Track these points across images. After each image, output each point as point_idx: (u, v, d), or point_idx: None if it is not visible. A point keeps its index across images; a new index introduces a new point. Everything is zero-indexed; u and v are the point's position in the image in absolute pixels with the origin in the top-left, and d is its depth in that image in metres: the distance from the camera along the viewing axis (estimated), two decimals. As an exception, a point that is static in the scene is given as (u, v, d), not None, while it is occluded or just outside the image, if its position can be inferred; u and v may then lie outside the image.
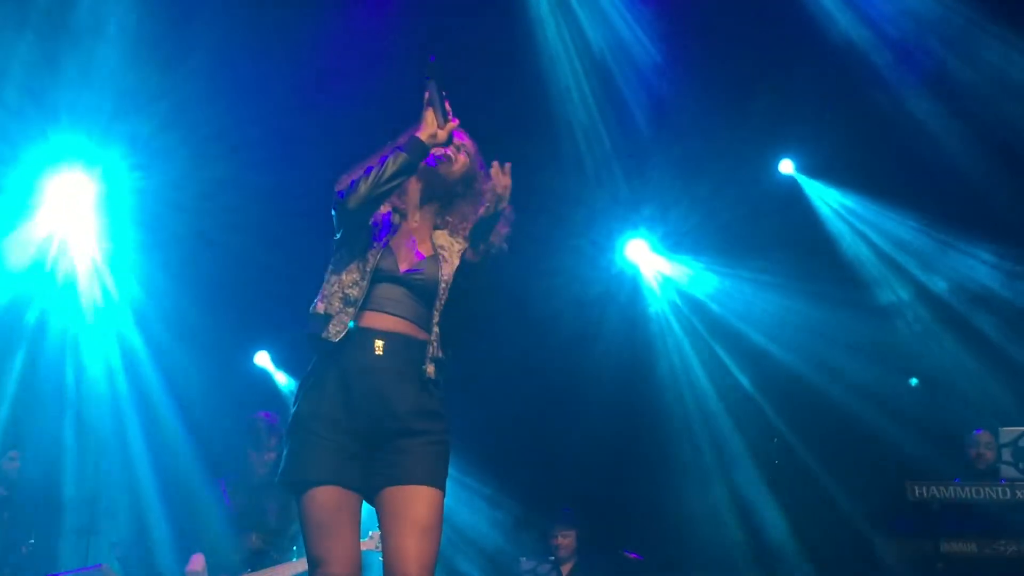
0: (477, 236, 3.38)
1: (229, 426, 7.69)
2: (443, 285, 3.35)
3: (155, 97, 8.21)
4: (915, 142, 8.28)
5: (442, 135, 3.36)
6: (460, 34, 8.07)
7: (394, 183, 3.30)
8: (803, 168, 9.10)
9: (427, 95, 3.36)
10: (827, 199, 9.11)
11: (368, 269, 3.30)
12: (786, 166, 9.08)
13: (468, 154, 3.53)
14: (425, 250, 3.41)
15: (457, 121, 3.39)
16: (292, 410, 3.34)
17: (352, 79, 8.06)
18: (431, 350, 3.31)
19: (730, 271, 9.45)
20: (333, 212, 3.37)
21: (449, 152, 3.46)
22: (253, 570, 6.00)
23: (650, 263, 9.57)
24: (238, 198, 8.42)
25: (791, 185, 9.14)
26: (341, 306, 3.28)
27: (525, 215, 3.59)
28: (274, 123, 8.18)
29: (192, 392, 8.64)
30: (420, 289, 3.33)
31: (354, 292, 3.28)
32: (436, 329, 3.33)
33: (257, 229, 8.45)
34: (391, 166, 3.28)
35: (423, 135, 3.34)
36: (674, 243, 9.49)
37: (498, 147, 3.60)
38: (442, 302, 3.35)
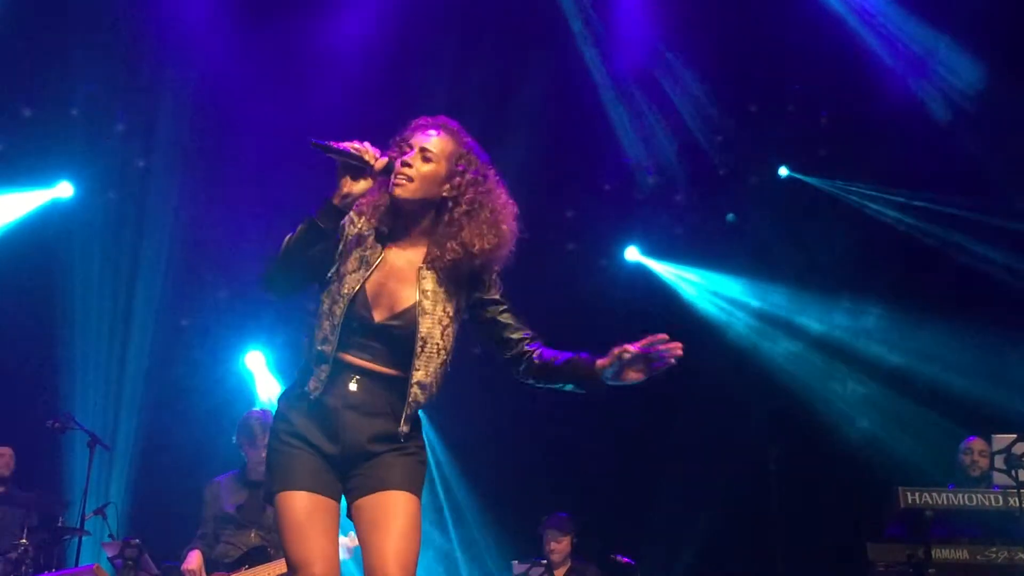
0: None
1: (227, 423, 7.73)
2: (420, 341, 3.21)
3: (155, 96, 8.25)
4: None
5: (365, 185, 3.18)
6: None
7: (306, 250, 3.16)
8: (799, 170, 9.16)
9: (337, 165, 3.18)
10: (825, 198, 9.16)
11: (336, 324, 3.18)
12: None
13: (433, 158, 3.25)
14: (405, 299, 3.23)
15: (387, 160, 3.19)
16: (272, 426, 3.32)
17: (346, 78, 8.07)
18: (408, 408, 3.21)
19: (723, 274, 9.48)
20: None
21: (403, 169, 3.21)
22: (251, 566, 6.02)
23: (652, 267, 9.62)
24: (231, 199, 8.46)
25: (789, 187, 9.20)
26: (316, 364, 3.21)
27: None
28: (270, 122, 8.19)
29: (189, 389, 8.66)
30: (395, 339, 3.21)
31: (326, 349, 3.20)
32: (415, 388, 3.20)
33: (250, 233, 8.49)
34: (297, 234, 3.17)
35: (335, 195, 3.17)
36: (670, 249, 9.53)
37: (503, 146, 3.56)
38: (423, 359, 3.21)
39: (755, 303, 9.41)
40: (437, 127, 3.32)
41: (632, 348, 3.16)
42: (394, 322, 3.22)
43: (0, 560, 6.57)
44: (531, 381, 3.38)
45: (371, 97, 7.60)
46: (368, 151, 3.18)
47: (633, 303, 9.38)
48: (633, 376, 3.21)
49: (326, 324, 3.21)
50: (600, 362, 3.21)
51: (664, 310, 9.45)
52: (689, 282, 9.59)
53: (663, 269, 9.62)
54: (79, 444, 7.65)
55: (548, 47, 8.34)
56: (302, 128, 8.12)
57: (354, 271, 3.23)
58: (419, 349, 3.21)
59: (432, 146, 3.27)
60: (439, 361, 3.25)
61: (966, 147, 8.18)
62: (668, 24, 8.51)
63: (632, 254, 9.66)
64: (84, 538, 7.10)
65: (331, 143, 3.16)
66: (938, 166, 8.38)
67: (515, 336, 3.35)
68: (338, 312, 3.19)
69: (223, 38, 7.99)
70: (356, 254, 3.26)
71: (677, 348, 3.18)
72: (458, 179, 3.28)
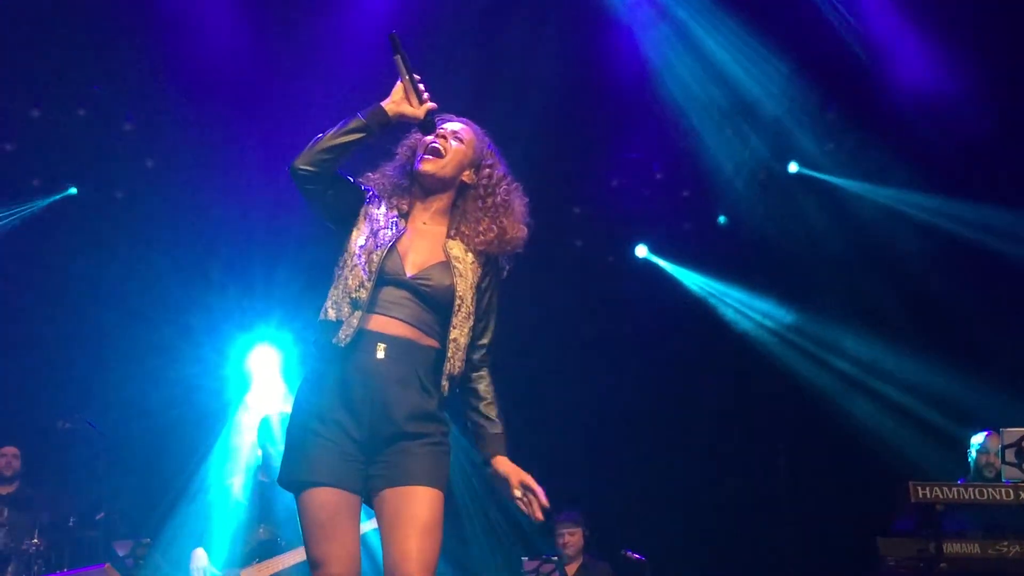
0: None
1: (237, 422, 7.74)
2: (458, 300, 3.27)
3: (163, 95, 8.26)
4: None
5: (412, 111, 3.29)
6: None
7: (343, 141, 3.23)
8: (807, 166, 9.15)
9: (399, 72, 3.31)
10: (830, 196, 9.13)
11: (374, 271, 3.22)
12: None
13: (464, 141, 3.40)
14: (435, 257, 3.32)
15: (435, 105, 3.31)
16: (292, 409, 3.30)
17: (358, 76, 8.07)
18: (448, 366, 3.27)
19: (731, 271, 9.47)
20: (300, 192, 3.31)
21: (437, 144, 3.35)
22: (262, 559, 6.05)
23: (661, 264, 9.63)
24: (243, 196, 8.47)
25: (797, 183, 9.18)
26: (350, 310, 3.22)
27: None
28: (280, 120, 8.19)
29: (198, 387, 8.68)
30: (427, 296, 3.26)
31: (361, 295, 3.21)
32: (453, 344, 3.27)
33: (259, 232, 8.50)
34: (342, 127, 3.25)
35: (386, 102, 3.30)
36: (679, 246, 9.53)
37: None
38: (460, 317, 3.28)
39: (764, 300, 9.39)
40: (464, 120, 3.48)
41: (518, 493, 3.29)
42: (425, 277, 3.27)
43: (12, 559, 6.61)
44: (467, 398, 3.42)
45: (382, 92, 7.59)
46: (423, 88, 3.31)
47: (642, 300, 9.38)
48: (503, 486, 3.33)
49: (360, 273, 3.23)
50: (495, 469, 3.35)
51: (673, 307, 9.44)
52: (698, 279, 9.58)
53: (672, 266, 9.61)
54: (89, 443, 7.68)
55: (556, 41, 8.31)
56: (313, 126, 8.14)
57: (384, 229, 3.31)
58: (456, 307, 3.27)
59: (462, 132, 3.42)
60: (470, 325, 3.32)
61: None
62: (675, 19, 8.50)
63: (641, 251, 9.66)
64: (95, 537, 7.13)
65: (406, 54, 3.28)
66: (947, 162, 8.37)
67: (483, 341, 3.42)
68: (375, 259, 3.24)
69: (232, 36, 7.98)
70: (381, 221, 3.33)
71: (537, 512, 3.30)
72: (488, 170, 3.42)
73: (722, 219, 9.43)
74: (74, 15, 7.83)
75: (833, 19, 8.15)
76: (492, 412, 3.39)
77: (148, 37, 7.97)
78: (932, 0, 8.04)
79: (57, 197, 8.60)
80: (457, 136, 3.40)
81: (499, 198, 3.40)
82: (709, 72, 8.56)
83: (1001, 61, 7.97)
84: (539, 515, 3.30)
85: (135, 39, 7.98)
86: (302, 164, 3.24)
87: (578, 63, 8.47)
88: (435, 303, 3.27)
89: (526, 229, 3.45)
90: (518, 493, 3.28)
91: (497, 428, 3.39)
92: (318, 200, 3.32)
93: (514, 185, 3.48)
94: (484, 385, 3.41)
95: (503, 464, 3.34)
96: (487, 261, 3.41)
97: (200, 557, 6.15)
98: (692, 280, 9.59)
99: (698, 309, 9.49)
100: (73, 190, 8.63)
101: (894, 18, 8.12)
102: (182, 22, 7.92)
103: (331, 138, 3.25)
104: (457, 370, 3.30)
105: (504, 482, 3.32)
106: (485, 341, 3.41)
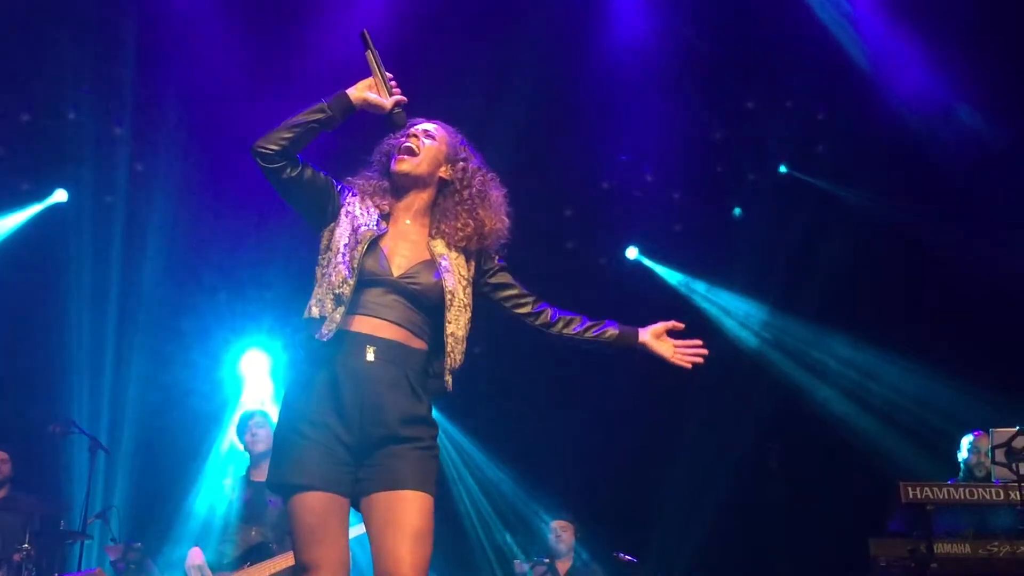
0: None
1: (228, 425, 7.71)
2: (449, 295, 3.28)
3: (153, 99, 8.24)
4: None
5: (377, 99, 3.33)
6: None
7: (302, 121, 3.27)
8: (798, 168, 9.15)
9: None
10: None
11: (355, 267, 3.21)
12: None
13: (436, 139, 3.44)
14: (420, 256, 3.33)
15: (404, 98, 3.34)
16: (280, 411, 3.28)
17: (346, 79, 8.05)
18: (450, 360, 3.28)
19: (722, 272, 9.48)
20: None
21: (409, 143, 3.39)
22: (254, 563, 6.03)
23: (651, 266, 9.63)
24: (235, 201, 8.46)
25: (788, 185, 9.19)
26: (333, 306, 3.21)
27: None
28: (268, 124, 8.18)
29: (189, 391, 8.67)
30: (417, 296, 3.26)
31: (344, 291, 3.20)
32: (451, 339, 3.28)
33: (249, 235, 8.48)
34: (303, 111, 3.30)
35: (350, 90, 3.34)
36: (669, 247, 9.53)
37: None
38: (454, 311, 3.29)
39: (754, 302, 9.41)
40: (433, 120, 3.51)
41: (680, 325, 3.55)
42: (412, 276, 3.27)
43: (3, 564, 6.58)
44: (565, 332, 3.53)
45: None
46: (394, 84, 3.36)
47: (633, 302, 9.37)
48: (663, 349, 3.53)
49: (343, 270, 3.23)
50: (648, 342, 3.53)
51: (664, 309, 9.39)
52: (688, 281, 9.59)
53: (663, 268, 9.62)
54: (80, 448, 7.67)
55: (545, 43, 8.31)
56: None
57: (364, 227, 3.31)
58: (448, 302, 3.29)
59: (434, 130, 3.46)
60: (467, 318, 3.34)
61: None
62: (667, 20, 8.50)
63: (632, 253, 9.66)
64: (86, 542, 7.11)
65: (376, 51, 3.36)
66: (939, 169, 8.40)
67: (529, 296, 3.54)
68: (357, 256, 3.24)
69: (221, 40, 7.98)
70: (363, 220, 3.33)
71: (701, 351, 3.58)
72: (463, 164, 3.46)
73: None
74: (64, 18, 7.82)
75: (830, 23, 8.18)
76: (589, 322, 3.53)
77: (138, 41, 7.96)
78: (932, 9, 8.05)
79: (47, 201, 8.58)
80: (429, 134, 3.45)
81: (474, 189, 3.43)
82: (702, 73, 8.58)
83: (995, 73, 7.99)
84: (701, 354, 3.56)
85: (125, 43, 7.97)
86: (260, 143, 3.28)
87: (567, 65, 8.47)
88: (425, 302, 3.28)
89: (507, 220, 3.48)
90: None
91: (612, 327, 3.53)
92: (279, 182, 3.32)
93: (490, 176, 3.51)
94: (566, 315, 3.54)
95: (648, 332, 3.54)
96: (476, 254, 3.44)
97: (196, 555, 6.14)
98: (683, 282, 9.60)
99: (689, 311, 9.49)
100: (63, 194, 8.60)
101: (892, 26, 8.14)
102: (172, 25, 7.92)
103: (292, 119, 3.29)
104: (458, 363, 3.31)
105: (662, 336, 3.54)
106: (517, 290, 3.52)
